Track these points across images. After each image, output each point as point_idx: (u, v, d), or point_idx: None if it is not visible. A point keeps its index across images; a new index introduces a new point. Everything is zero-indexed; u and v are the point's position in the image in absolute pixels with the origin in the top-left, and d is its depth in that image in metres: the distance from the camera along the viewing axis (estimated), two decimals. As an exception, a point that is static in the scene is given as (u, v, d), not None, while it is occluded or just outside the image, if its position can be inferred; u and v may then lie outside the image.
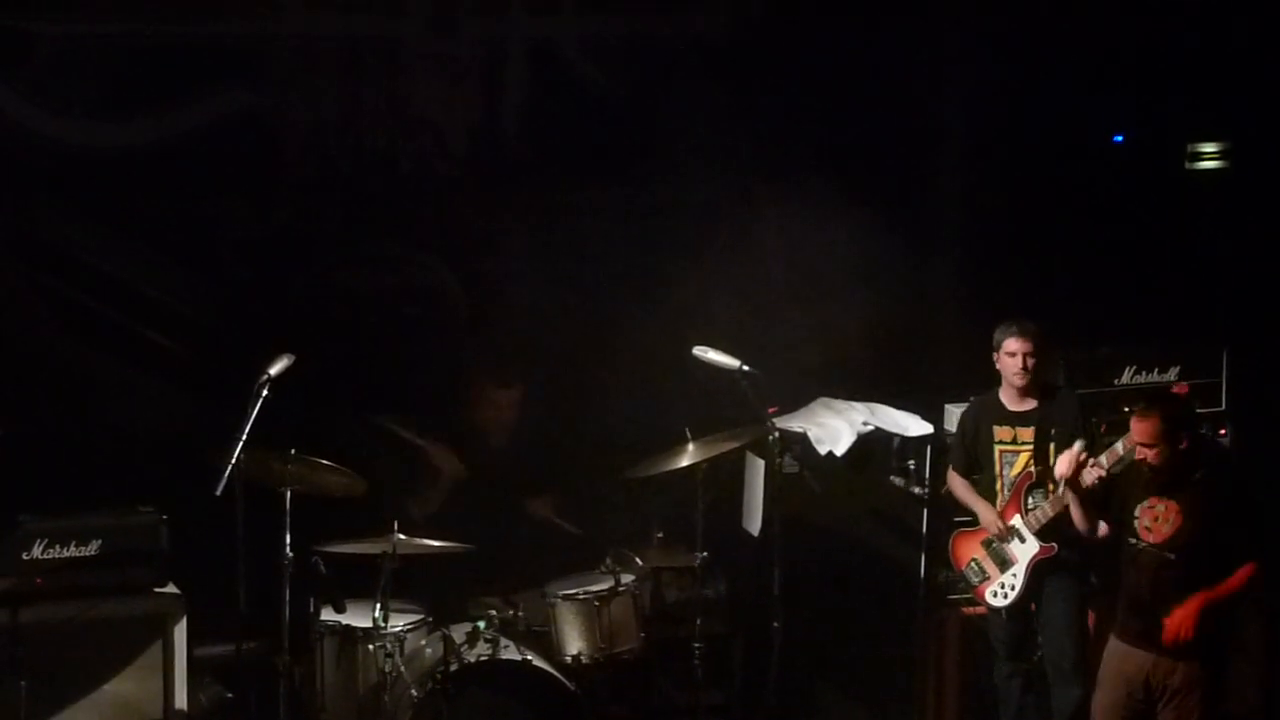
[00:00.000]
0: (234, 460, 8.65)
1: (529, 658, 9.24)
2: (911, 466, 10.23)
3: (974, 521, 9.89)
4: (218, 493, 8.63)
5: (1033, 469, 9.65)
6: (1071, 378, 10.14)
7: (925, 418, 10.36)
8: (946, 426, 10.37)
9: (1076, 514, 9.10)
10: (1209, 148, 11.50)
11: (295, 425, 9.09)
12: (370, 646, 9.26)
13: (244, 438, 8.71)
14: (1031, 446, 9.65)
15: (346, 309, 10.64)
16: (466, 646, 9.21)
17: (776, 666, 9.55)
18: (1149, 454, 8.59)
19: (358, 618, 9.27)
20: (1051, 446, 9.62)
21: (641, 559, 9.84)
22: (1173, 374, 10.45)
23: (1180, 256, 11.39)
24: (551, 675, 9.24)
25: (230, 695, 9.56)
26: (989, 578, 9.77)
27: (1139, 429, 8.61)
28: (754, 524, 10.21)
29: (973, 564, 9.83)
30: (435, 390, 10.34)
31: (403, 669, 9.21)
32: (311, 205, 10.64)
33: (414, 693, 9.11)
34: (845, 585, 10.19)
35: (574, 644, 9.47)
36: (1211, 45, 11.15)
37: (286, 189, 10.64)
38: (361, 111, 10.74)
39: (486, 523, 9.70)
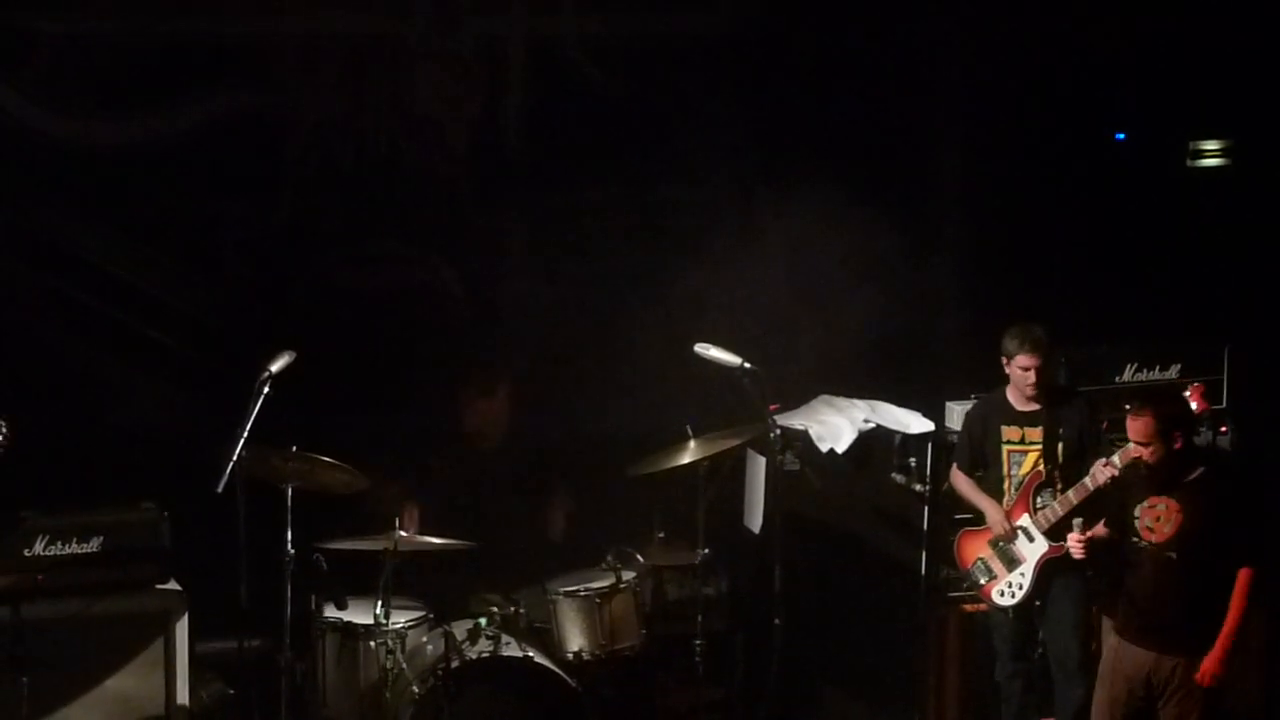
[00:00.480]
0: (235, 457, 8.66)
1: (530, 654, 9.24)
2: (913, 464, 10.22)
3: (978, 520, 9.90)
4: (219, 489, 8.63)
5: (1042, 468, 9.65)
6: (1073, 376, 10.15)
7: (927, 415, 10.37)
8: (948, 424, 10.37)
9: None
10: (1211, 145, 11.51)
11: (297, 422, 9.10)
12: (371, 643, 9.27)
13: (245, 435, 8.72)
14: (1040, 446, 9.65)
15: (348, 307, 10.64)
16: (468, 643, 9.21)
17: (777, 664, 9.54)
18: (1144, 452, 8.61)
19: (359, 614, 9.28)
20: (1060, 446, 9.63)
21: (643, 556, 9.83)
22: (1174, 371, 10.45)
23: (1182, 254, 11.39)
24: (553, 672, 9.25)
25: (232, 692, 9.56)
26: (996, 577, 9.77)
27: (1133, 427, 8.64)
28: (755, 521, 10.22)
29: (979, 563, 9.82)
30: (436, 388, 10.33)
31: (404, 665, 9.22)
32: (313, 203, 10.65)
33: (415, 689, 9.11)
34: (846, 583, 10.20)
35: (575, 641, 9.48)
36: (1213, 43, 11.15)
37: (288, 187, 10.64)
38: (363, 110, 10.74)
39: (487, 520, 9.70)
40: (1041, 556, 9.64)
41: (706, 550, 9.62)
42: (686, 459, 9.48)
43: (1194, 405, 9.40)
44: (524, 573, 9.76)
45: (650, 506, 10.10)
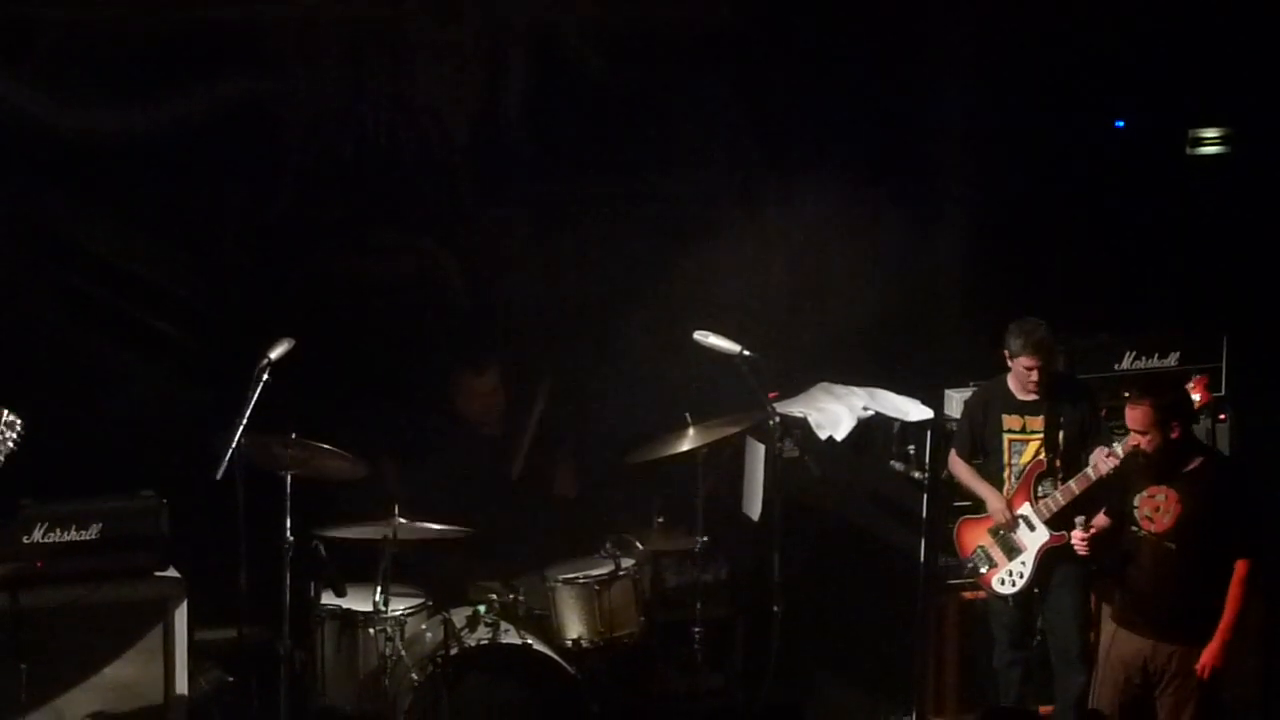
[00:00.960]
0: (234, 445, 8.67)
1: (529, 642, 9.26)
2: (912, 451, 10.24)
3: (977, 508, 9.90)
4: (218, 477, 8.65)
5: (1043, 457, 9.65)
6: (1072, 364, 10.15)
7: (925, 403, 10.37)
8: (947, 411, 10.38)
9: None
10: (1210, 133, 11.50)
11: (296, 410, 9.11)
12: (370, 630, 9.28)
13: (244, 422, 8.73)
14: (1042, 435, 9.65)
15: (347, 295, 10.63)
16: (467, 630, 9.23)
17: (776, 651, 9.57)
18: (1142, 440, 8.62)
19: (358, 602, 9.29)
20: (1061, 435, 9.63)
21: (641, 542, 9.85)
22: (1173, 360, 10.46)
23: (1181, 242, 11.39)
24: (551, 659, 9.26)
25: (231, 679, 9.58)
26: (996, 565, 9.77)
27: (1131, 416, 8.65)
28: (754, 508, 10.22)
29: (979, 551, 9.83)
30: (435, 376, 10.33)
31: (403, 653, 9.23)
32: (313, 192, 10.63)
33: (414, 676, 9.13)
34: (845, 570, 10.21)
35: (574, 628, 9.49)
36: (1212, 31, 11.14)
37: (288, 176, 10.63)
38: (363, 99, 10.73)
39: (486, 507, 9.71)
40: (1042, 545, 9.64)
41: (705, 537, 9.64)
42: (685, 446, 9.49)
43: (1197, 396, 9.39)
44: (523, 560, 9.76)
45: (649, 492, 10.10)
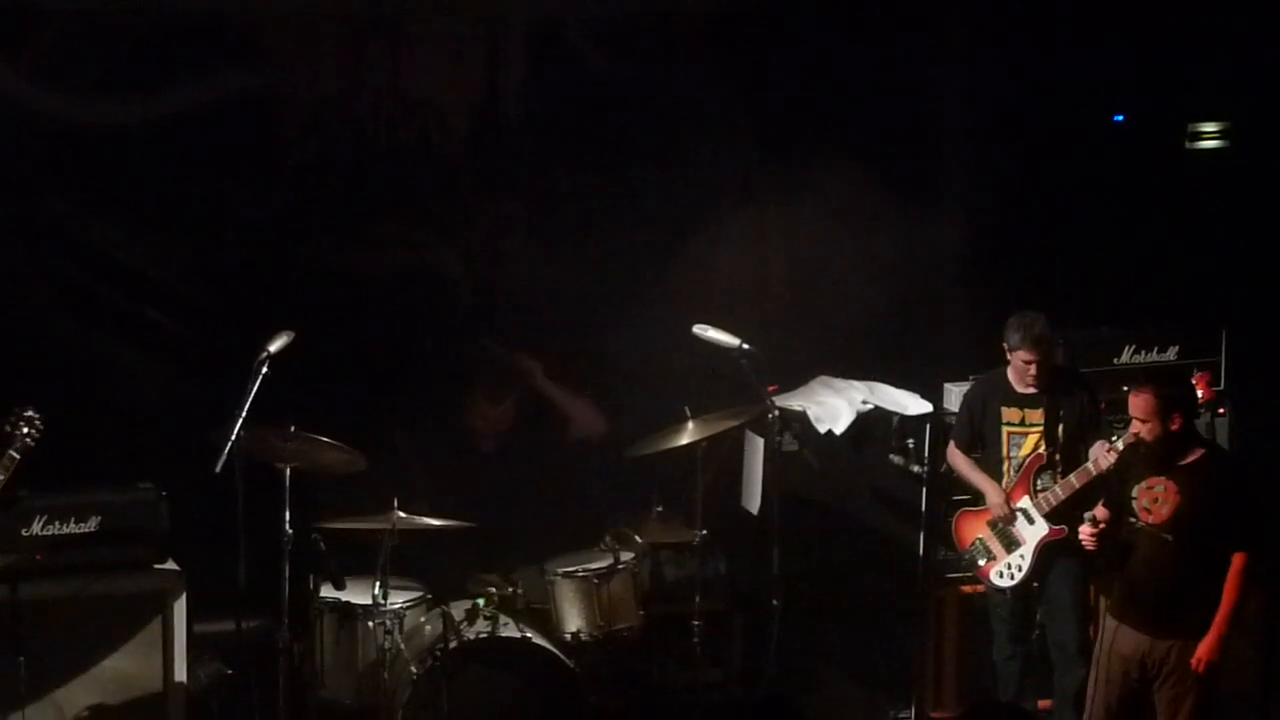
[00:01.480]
0: (234, 437, 8.67)
1: (528, 635, 9.26)
2: (911, 445, 10.22)
3: (975, 501, 9.91)
4: (217, 470, 8.65)
5: (1043, 451, 9.66)
6: (1071, 357, 10.14)
7: (924, 396, 10.38)
8: (946, 405, 10.39)
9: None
10: (1209, 127, 11.49)
11: (295, 403, 9.11)
12: (370, 623, 9.29)
13: (244, 415, 8.73)
14: (1041, 428, 9.65)
15: (347, 288, 10.63)
16: (466, 624, 9.24)
17: (775, 644, 9.57)
18: (1142, 429, 8.62)
19: (357, 594, 9.30)
20: (1060, 429, 9.64)
21: (640, 535, 9.85)
22: (1172, 354, 10.46)
23: (1180, 236, 11.39)
24: (550, 653, 9.27)
25: (230, 672, 9.58)
26: (995, 558, 9.78)
27: (1133, 403, 8.65)
28: (753, 502, 10.22)
29: (977, 544, 9.83)
30: (435, 370, 10.34)
31: (402, 646, 9.24)
32: (312, 185, 10.63)
33: (413, 669, 9.13)
34: (844, 563, 10.21)
35: (573, 621, 9.49)
36: (1212, 24, 11.13)
37: (287, 168, 10.63)
38: (362, 92, 10.72)
39: (486, 500, 9.72)
40: (1042, 539, 9.64)
41: (704, 531, 9.63)
42: (684, 440, 9.49)
43: (1200, 393, 9.40)
44: (522, 553, 9.76)
45: (648, 484, 10.09)
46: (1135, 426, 8.66)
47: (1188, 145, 11.54)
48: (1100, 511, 8.89)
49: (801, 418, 10.14)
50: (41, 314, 10.22)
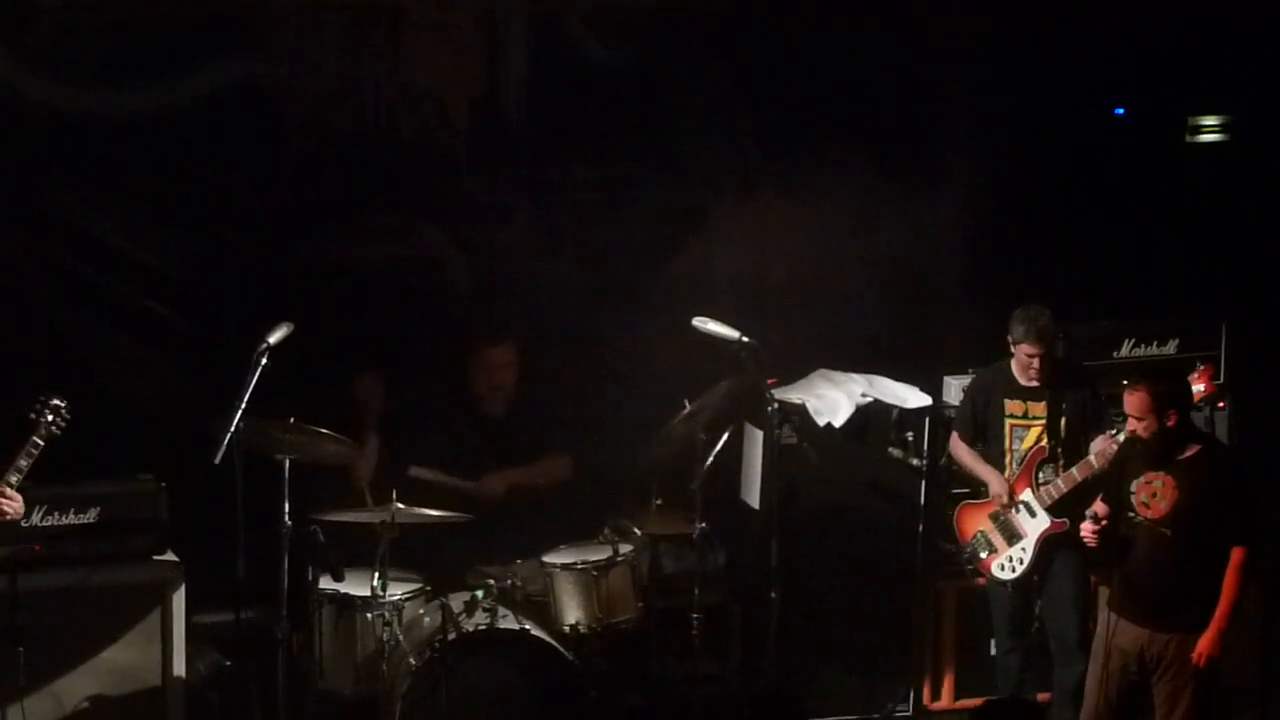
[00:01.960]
0: (233, 428, 8.67)
1: (527, 627, 9.27)
2: (910, 438, 10.23)
3: (976, 494, 9.91)
4: (217, 461, 8.65)
5: (1045, 443, 9.66)
6: (1070, 351, 10.14)
7: (924, 390, 10.37)
8: (945, 398, 10.39)
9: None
10: (1210, 121, 11.49)
11: (294, 394, 9.11)
12: (368, 615, 9.28)
13: (243, 406, 8.73)
14: (1044, 421, 9.66)
15: (347, 280, 10.63)
16: (465, 615, 9.23)
17: (774, 637, 9.59)
18: (1138, 427, 8.62)
19: (356, 586, 9.28)
20: (1063, 422, 9.64)
21: (640, 526, 9.84)
22: (1171, 347, 10.48)
23: (1180, 230, 11.39)
24: (549, 645, 9.27)
25: (228, 663, 9.59)
26: (996, 551, 9.78)
27: (1128, 401, 8.65)
28: (752, 495, 10.22)
29: (979, 536, 9.84)
30: (435, 361, 10.33)
31: (401, 637, 9.24)
32: (312, 175, 10.62)
33: (412, 661, 9.14)
34: (843, 556, 10.21)
35: (572, 614, 9.48)
36: (1213, 18, 11.13)
37: (287, 159, 10.61)
38: (362, 82, 10.71)
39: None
40: (1043, 532, 9.65)
41: (704, 524, 9.62)
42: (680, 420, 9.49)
43: (1201, 386, 9.41)
44: (521, 545, 9.76)
45: (648, 476, 10.08)
46: (1131, 424, 8.67)
47: (1188, 139, 11.53)
48: (1100, 508, 8.89)
49: (801, 411, 10.13)
50: (41, 305, 10.22)
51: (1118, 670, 8.77)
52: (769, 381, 9.62)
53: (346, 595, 9.31)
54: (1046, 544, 9.67)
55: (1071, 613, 9.69)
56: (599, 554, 9.57)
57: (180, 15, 10.24)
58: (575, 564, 9.52)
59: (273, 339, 8.86)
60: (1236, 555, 8.59)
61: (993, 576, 9.84)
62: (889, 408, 10.30)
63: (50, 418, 8.39)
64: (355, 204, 10.70)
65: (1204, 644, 8.59)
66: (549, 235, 11.01)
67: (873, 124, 11.04)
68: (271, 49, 10.50)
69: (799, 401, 10.18)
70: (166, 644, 9.26)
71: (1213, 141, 11.52)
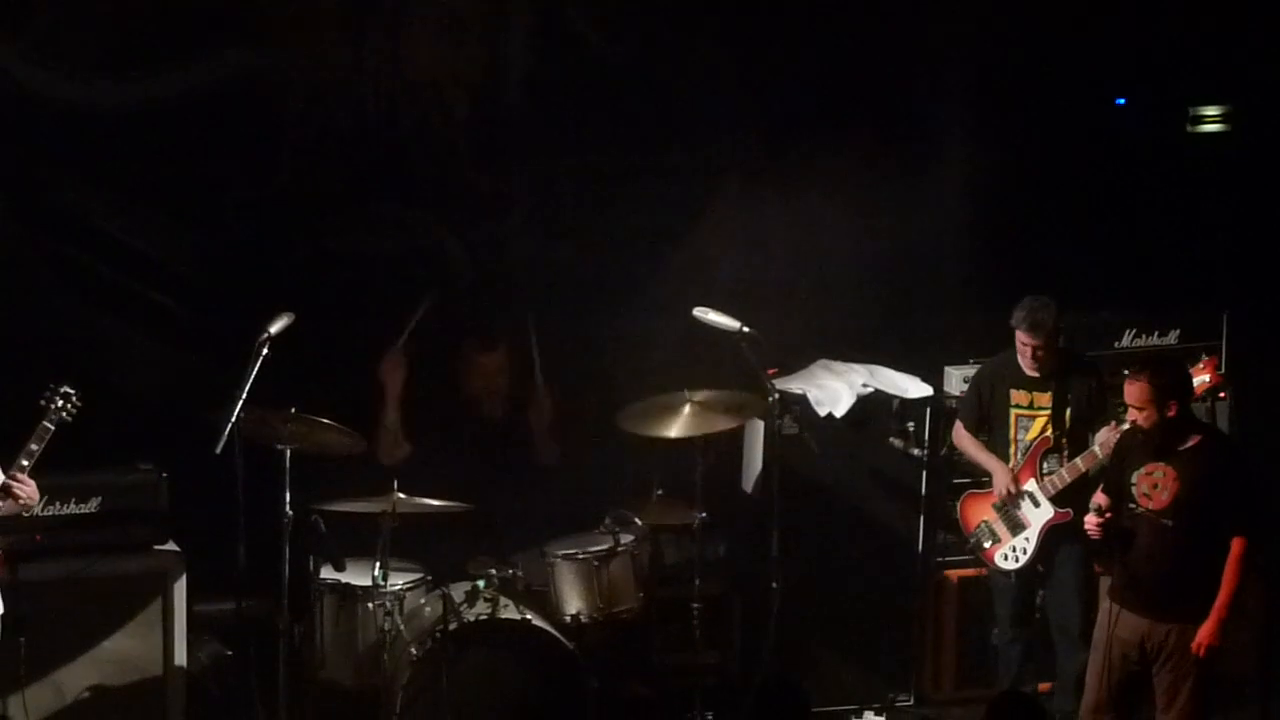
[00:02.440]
0: (234, 419, 8.67)
1: (528, 617, 9.27)
2: (911, 428, 10.24)
3: (980, 483, 9.91)
4: (218, 451, 8.65)
5: (1049, 434, 9.67)
6: (1071, 341, 10.14)
7: (925, 380, 10.37)
8: (946, 388, 10.40)
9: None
10: (1211, 111, 11.48)
11: (295, 384, 9.11)
12: (369, 605, 9.28)
13: (244, 396, 8.73)
14: (1049, 412, 9.66)
15: (347, 270, 10.62)
16: (466, 605, 9.24)
17: (774, 627, 9.58)
18: (1138, 417, 8.62)
19: (357, 576, 9.29)
20: (1068, 412, 9.64)
21: (641, 517, 9.83)
22: (1173, 337, 10.48)
23: (1181, 220, 11.38)
24: (550, 634, 9.27)
25: (229, 653, 9.59)
26: (1000, 540, 9.79)
27: (1128, 391, 8.65)
28: (753, 485, 10.22)
29: (983, 526, 9.85)
30: (436, 351, 10.33)
31: (402, 627, 9.24)
32: (312, 165, 10.62)
33: (413, 651, 9.14)
34: (844, 547, 10.22)
35: (573, 603, 9.49)
36: (1214, 8, 11.12)
37: (287, 149, 10.61)
38: (363, 72, 10.70)
39: (486, 482, 9.72)
40: (1047, 522, 9.66)
41: (705, 514, 9.63)
42: (681, 425, 9.48)
43: (1206, 377, 9.41)
44: (522, 535, 9.76)
45: (649, 466, 10.08)
46: (1132, 414, 8.66)
47: (1189, 129, 11.52)
48: (1101, 499, 8.89)
49: (802, 401, 10.13)
50: (42, 296, 10.22)
51: (1119, 660, 8.77)
52: (770, 372, 9.62)
53: (348, 585, 9.32)
54: (1050, 534, 9.67)
55: (1074, 603, 9.70)
56: (600, 544, 9.57)
57: (180, 5, 10.24)
58: (576, 554, 9.52)
59: (274, 329, 8.87)
60: (1237, 546, 8.58)
61: (996, 566, 9.84)
62: (890, 398, 10.30)
63: (60, 404, 8.40)
64: (355, 194, 10.69)
65: (1203, 634, 8.58)
66: (549, 225, 10.99)
67: (874, 113, 11.04)
68: (272, 39, 10.49)
69: (800, 392, 10.18)
70: (167, 634, 9.27)
71: (1214, 131, 11.50)
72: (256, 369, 8.80)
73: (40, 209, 10.24)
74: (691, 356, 10.13)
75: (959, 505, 9.99)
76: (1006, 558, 9.78)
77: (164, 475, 9.33)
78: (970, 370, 10.20)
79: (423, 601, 9.44)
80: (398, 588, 9.30)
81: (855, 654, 10.29)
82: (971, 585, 10.32)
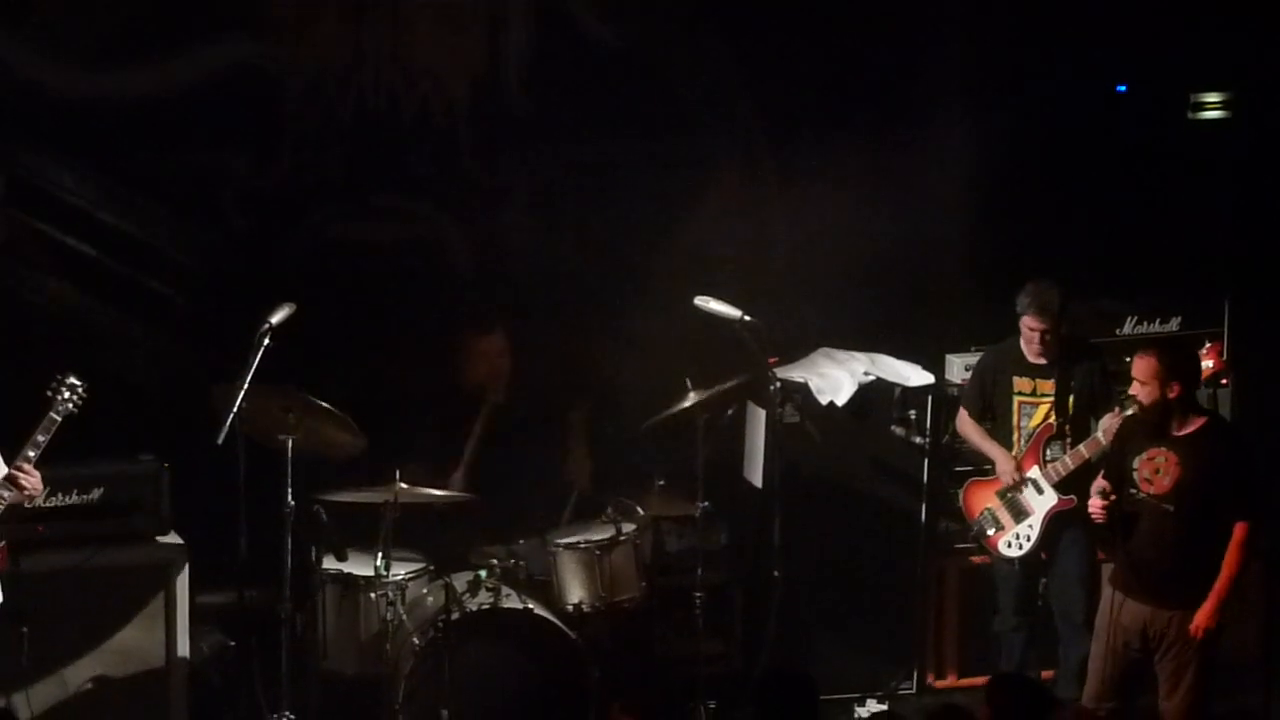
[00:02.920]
0: (235, 409, 8.67)
1: (530, 606, 9.26)
2: (913, 416, 10.23)
3: (983, 471, 9.91)
4: (219, 441, 8.65)
5: (1053, 421, 9.66)
6: (1073, 328, 10.13)
7: (926, 368, 10.37)
8: (948, 376, 10.39)
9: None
10: (1212, 97, 11.46)
11: (296, 374, 9.11)
12: (372, 595, 9.29)
13: (245, 387, 8.72)
14: (1052, 399, 9.66)
15: (348, 261, 10.62)
16: (468, 595, 9.23)
17: (776, 616, 9.60)
18: (1140, 391, 8.63)
19: (359, 566, 9.31)
20: (1071, 399, 9.64)
21: (642, 507, 9.83)
22: (1174, 324, 10.48)
23: (1183, 206, 11.37)
24: (553, 624, 9.27)
25: (232, 643, 9.58)
26: (1003, 528, 9.79)
27: (1136, 365, 8.67)
28: (755, 474, 10.22)
29: (986, 513, 9.84)
30: (437, 341, 10.33)
31: (404, 617, 9.24)
32: (312, 156, 10.62)
33: (415, 641, 9.14)
34: (846, 535, 10.22)
35: (575, 593, 9.48)
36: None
37: (287, 139, 10.61)
38: (362, 61, 10.70)
39: (489, 472, 9.71)
40: (1050, 509, 9.66)
41: (706, 503, 9.62)
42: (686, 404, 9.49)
43: (1210, 363, 9.42)
44: (524, 525, 9.76)
45: (651, 457, 10.09)
46: (1135, 387, 8.67)
47: (1190, 116, 11.50)
48: (1099, 483, 8.89)
49: (803, 389, 10.12)
50: (44, 286, 10.22)
51: (1121, 648, 8.77)
52: (771, 360, 9.62)
53: (350, 575, 9.33)
54: (1053, 521, 9.67)
55: (1078, 590, 9.69)
56: (602, 533, 9.57)
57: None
58: (578, 543, 9.52)
59: (275, 319, 8.86)
60: (1238, 531, 8.58)
61: (999, 554, 9.84)
62: (891, 386, 10.30)
63: (67, 395, 8.39)
64: (356, 184, 10.69)
65: (1202, 616, 8.58)
66: (549, 216, 10.99)
67: (874, 102, 11.03)
68: (272, 29, 10.49)
69: (801, 380, 10.18)
70: (170, 624, 9.26)
71: (1215, 118, 11.48)
72: (258, 359, 8.78)
73: (39, 198, 10.23)
74: (691, 348, 10.11)
75: (962, 493, 10.00)
76: (1010, 545, 9.78)
77: (166, 466, 9.31)
78: (972, 358, 10.20)
79: (425, 591, 9.44)
80: (400, 577, 9.30)
81: (857, 642, 10.28)
82: (974, 573, 10.32)
